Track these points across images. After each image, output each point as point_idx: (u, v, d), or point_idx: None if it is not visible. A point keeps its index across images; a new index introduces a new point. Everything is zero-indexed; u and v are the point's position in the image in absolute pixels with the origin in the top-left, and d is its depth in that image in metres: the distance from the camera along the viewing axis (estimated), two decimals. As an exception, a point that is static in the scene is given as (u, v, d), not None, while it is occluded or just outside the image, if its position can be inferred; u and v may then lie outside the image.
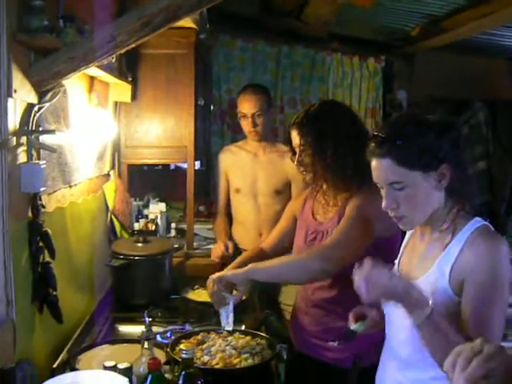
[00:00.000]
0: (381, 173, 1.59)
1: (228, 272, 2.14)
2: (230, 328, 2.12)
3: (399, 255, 1.82)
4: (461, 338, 1.39)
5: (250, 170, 3.29)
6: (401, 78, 5.07)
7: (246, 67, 4.49)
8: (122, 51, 1.86)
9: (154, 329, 2.01)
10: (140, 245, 2.68)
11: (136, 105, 3.27)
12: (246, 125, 3.21)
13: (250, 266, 2.08)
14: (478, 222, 1.58)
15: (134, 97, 3.19)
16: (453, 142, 1.56)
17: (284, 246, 2.45)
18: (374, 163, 1.60)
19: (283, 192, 3.24)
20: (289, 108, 4.57)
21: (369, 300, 1.44)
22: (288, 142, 2.30)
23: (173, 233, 3.76)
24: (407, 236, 1.83)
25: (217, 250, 3.11)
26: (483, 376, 0.99)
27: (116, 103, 3.21)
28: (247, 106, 3.17)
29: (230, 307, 2.11)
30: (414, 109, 4.74)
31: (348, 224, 2.10)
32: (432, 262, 1.60)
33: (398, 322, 1.65)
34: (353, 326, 1.74)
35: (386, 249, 2.07)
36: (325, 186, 2.27)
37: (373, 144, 1.59)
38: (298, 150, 2.21)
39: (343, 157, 2.13)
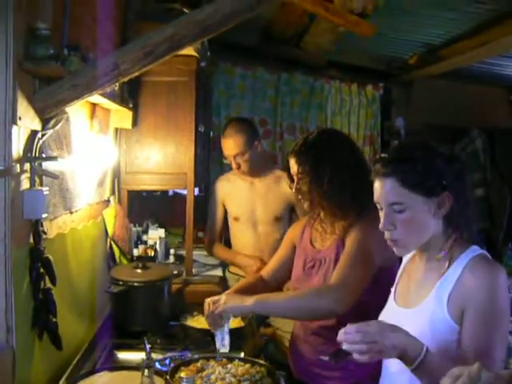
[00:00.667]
0: (383, 193, 1.60)
1: (229, 304, 2.08)
2: (225, 350, 2.11)
3: (395, 282, 1.82)
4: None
5: (248, 199, 3.30)
6: (399, 106, 5.12)
7: (245, 94, 4.53)
8: (125, 79, 1.89)
9: (153, 356, 2.00)
10: (139, 271, 2.68)
11: (137, 131, 3.29)
12: (232, 163, 3.25)
13: (254, 300, 2.03)
14: (475, 250, 1.59)
15: (134, 123, 3.20)
16: (457, 173, 1.58)
17: (283, 274, 2.45)
18: (377, 183, 1.62)
19: (282, 218, 3.25)
20: (288, 135, 4.60)
21: (365, 361, 1.41)
22: (286, 169, 2.31)
23: (171, 259, 3.75)
24: (403, 263, 1.83)
25: (252, 265, 3.13)
26: None
27: (117, 129, 3.23)
28: (227, 148, 3.20)
29: (226, 329, 2.11)
30: (413, 136, 4.78)
31: (352, 261, 2.08)
32: (429, 289, 1.60)
33: None
34: (345, 346, 1.74)
35: (385, 280, 2.08)
36: (322, 214, 2.28)
37: (378, 165, 1.61)
38: (295, 178, 2.23)
39: (340, 184, 2.13)
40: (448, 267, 1.58)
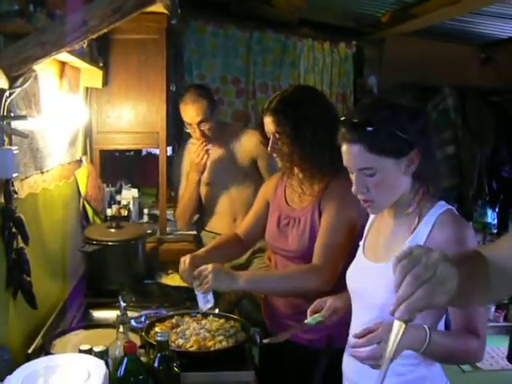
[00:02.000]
0: (351, 158, 1.60)
1: (218, 281, 2.02)
2: (210, 305, 2.09)
3: (364, 236, 1.84)
4: (460, 342, 1.50)
5: (216, 163, 3.29)
6: (371, 64, 5.11)
7: (217, 53, 4.48)
8: (94, 36, 1.86)
9: (129, 314, 2.01)
10: (113, 230, 2.69)
11: (107, 90, 3.25)
12: (193, 132, 3.15)
13: (245, 279, 2.03)
14: (443, 205, 1.61)
15: (105, 82, 3.17)
16: (422, 128, 1.59)
17: (258, 231, 2.45)
18: (344, 148, 1.61)
19: (251, 173, 3.26)
20: (260, 93, 4.58)
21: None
22: (260, 127, 2.26)
23: (145, 218, 3.77)
24: (371, 217, 1.84)
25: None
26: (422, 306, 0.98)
27: (87, 89, 3.19)
28: (190, 116, 3.07)
29: (210, 295, 2.11)
30: (384, 94, 4.79)
31: (333, 234, 2.10)
32: (400, 244, 1.61)
33: (366, 302, 1.68)
34: (306, 320, 1.79)
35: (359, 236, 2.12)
36: (301, 175, 2.24)
37: (343, 129, 1.60)
38: (271, 137, 2.17)
39: (320, 145, 2.10)
40: (418, 223, 1.60)
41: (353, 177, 1.63)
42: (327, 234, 2.10)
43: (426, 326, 1.45)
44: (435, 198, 1.64)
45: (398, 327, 1.00)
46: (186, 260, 2.13)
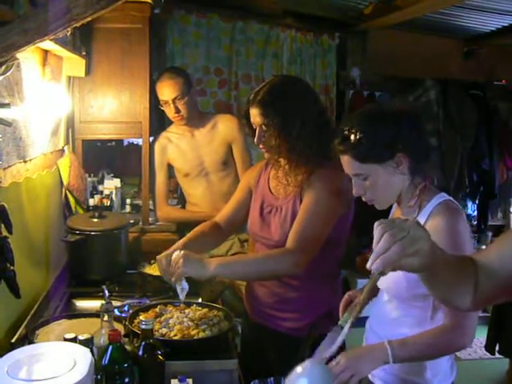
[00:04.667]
0: (345, 166, 1.75)
1: (189, 268, 1.99)
2: (186, 291, 2.07)
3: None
4: (429, 340, 1.65)
5: (194, 152, 3.30)
6: (354, 56, 5.13)
7: (200, 43, 4.46)
8: (78, 24, 1.84)
9: (112, 303, 2.02)
10: (96, 220, 2.68)
11: (90, 79, 3.24)
12: (169, 112, 3.19)
13: (215, 264, 2.01)
14: (442, 197, 1.72)
15: (88, 71, 3.15)
16: (407, 129, 1.68)
17: (239, 219, 2.45)
18: (340, 157, 1.75)
19: (229, 161, 3.28)
20: (243, 84, 4.58)
21: None
22: (245, 118, 2.24)
23: (127, 208, 3.76)
24: (391, 212, 1.96)
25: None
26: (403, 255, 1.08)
27: (70, 78, 3.17)
28: (166, 92, 3.12)
29: (184, 282, 2.11)
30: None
31: (310, 219, 2.11)
32: None
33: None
34: (340, 321, 1.82)
35: (339, 226, 2.14)
36: (287, 167, 2.23)
37: (336, 141, 1.74)
38: (258, 129, 2.16)
39: (308, 137, 2.10)
40: (417, 214, 1.72)
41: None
42: (303, 220, 2.11)
43: (386, 342, 1.65)
44: (436, 191, 1.75)
45: (373, 280, 1.17)
46: (162, 260, 2.08)
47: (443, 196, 1.73)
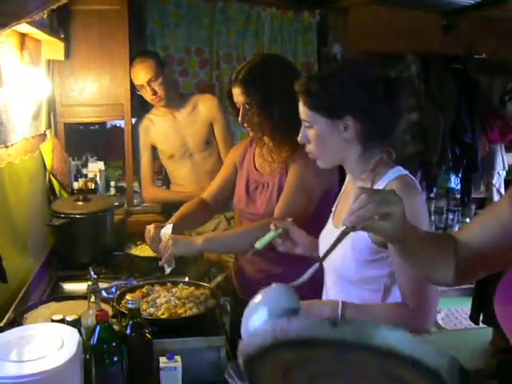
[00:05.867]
0: (300, 110, 1.72)
1: (177, 247, 2.08)
2: (172, 268, 2.15)
3: (335, 204, 1.89)
4: (389, 313, 1.59)
5: (177, 134, 3.31)
6: (335, 32, 5.11)
7: (180, 23, 4.42)
8: (54, 7, 1.83)
9: (99, 285, 2.04)
10: (80, 203, 2.69)
11: (70, 63, 3.22)
12: (146, 95, 3.20)
13: (202, 240, 2.06)
14: (397, 171, 1.64)
15: (67, 55, 3.13)
16: (370, 100, 1.60)
17: (225, 196, 2.48)
18: None
19: (212, 140, 3.31)
20: (224, 63, 4.55)
21: None
22: (228, 98, 2.25)
23: (112, 191, 3.77)
24: (344, 184, 1.89)
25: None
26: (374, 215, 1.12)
27: (49, 62, 3.15)
28: (140, 76, 3.14)
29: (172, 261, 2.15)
30: (345, 62, 4.80)
31: (294, 193, 2.14)
32: None
33: (328, 265, 1.73)
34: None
35: (323, 201, 2.16)
36: (271, 144, 2.26)
37: (297, 82, 1.72)
38: (241, 108, 2.18)
39: (290, 115, 2.05)
40: None
41: None
42: (287, 196, 2.15)
43: (340, 300, 1.60)
44: (393, 165, 1.67)
45: (343, 233, 1.23)
46: (150, 229, 2.16)
47: (399, 170, 1.64)
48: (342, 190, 1.90)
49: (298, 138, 1.73)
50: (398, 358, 0.93)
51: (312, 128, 1.67)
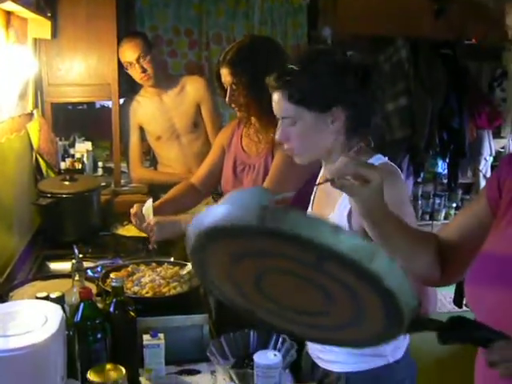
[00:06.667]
0: (275, 106, 1.62)
1: (163, 231, 2.15)
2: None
3: (314, 191, 1.85)
4: None
5: (164, 116, 3.31)
6: (325, 15, 5.11)
7: (169, 3, 4.41)
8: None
9: (85, 264, 2.06)
10: (67, 183, 2.70)
11: (56, 42, 3.20)
12: (135, 74, 3.21)
13: (180, 219, 2.10)
14: (378, 159, 1.61)
15: (54, 34, 3.11)
16: (355, 87, 1.55)
17: (214, 179, 2.49)
18: (272, 95, 1.63)
19: (199, 122, 3.32)
20: (214, 44, 4.55)
21: None
22: (216, 78, 2.26)
23: (100, 171, 3.77)
24: (321, 171, 1.83)
25: None
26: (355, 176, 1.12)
27: (36, 40, 3.13)
28: (128, 54, 3.16)
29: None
30: (331, 47, 4.79)
31: (280, 174, 2.15)
32: (333, 201, 1.63)
33: None
34: None
35: (309, 183, 2.17)
36: (258, 124, 2.27)
37: (271, 78, 1.61)
38: (228, 88, 2.19)
39: None
40: None
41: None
42: (273, 178, 2.16)
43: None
44: (372, 153, 1.64)
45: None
46: (134, 207, 2.22)
47: (380, 158, 1.62)
48: (320, 175, 1.84)
49: (277, 137, 1.63)
50: (360, 272, 0.83)
51: (295, 124, 1.58)
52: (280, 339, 1.77)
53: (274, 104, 1.62)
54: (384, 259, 0.81)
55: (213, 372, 1.77)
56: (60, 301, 1.58)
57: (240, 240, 0.90)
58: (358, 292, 0.87)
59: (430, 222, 5.57)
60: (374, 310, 0.88)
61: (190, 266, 2.15)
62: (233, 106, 2.24)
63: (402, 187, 1.60)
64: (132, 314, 1.70)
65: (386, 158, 1.64)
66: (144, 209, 2.20)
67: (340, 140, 1.62)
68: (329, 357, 1.75)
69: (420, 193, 5.57)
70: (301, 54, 1.73)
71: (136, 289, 1.99)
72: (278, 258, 0.89)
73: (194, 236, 0.96)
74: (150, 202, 2.22)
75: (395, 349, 1.73)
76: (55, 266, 2.46)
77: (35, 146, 2.94)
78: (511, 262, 1.05)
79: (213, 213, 0.91)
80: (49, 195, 2.61)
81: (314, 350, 1.82)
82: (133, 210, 2.23)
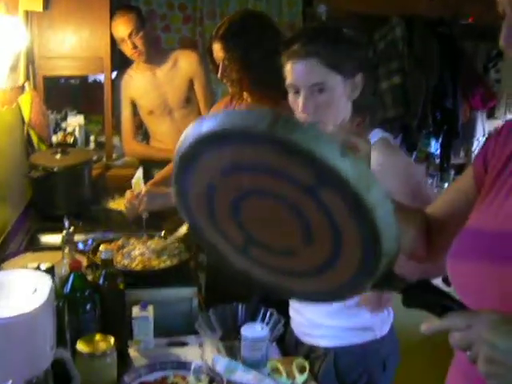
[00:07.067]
0: (304, 74, 1.56)
1: (152, 203, 2.16)
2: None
3: None
4: None
5: (156, 90, 3.30)
6: (321, -8, 5.07)
7: (163, -25, 4.37)
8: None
9: (76, 237, 2.07)
10: (58, 156, 2.69)
11: (48, 15, 3.17)
12: (127, 49, 3.18)
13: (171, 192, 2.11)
14: (376, 134, 1.63)
15: (46, 6, 3.08)
16: (368, 60, 1.63)
17: None
18: (295, 65, 1.57)
19: (192, 97, 3.31)
20: (208, 20, 4.51)
21: None
22: (209, 54, 2.27)
23: (92, 146, 3.76)
24: None
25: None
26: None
27: (27, 13, 3.10)
28: (121, 29, 3.12)
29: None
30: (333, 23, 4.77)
31: None
32: None
33: None
34: None
35: None
36: (250, 100, 2.27)
37: (297, 45, 1.56)
38: (221, 64, 2.19)
39: (269, 72, 2.04)
40: None
41: (296, 97, 1.60)
42: None
43: None
44: (371, 127, 1.65)
45: None
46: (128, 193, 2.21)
47: (378, 133, 1.63)
48: None
49: (301, 109, 1.56)
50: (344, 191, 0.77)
51: (323, 92, 1.55)
52: (268, 313, 1.80)
53: (298, 73, 1.57)
54: (380, 191, 0.78)
55: (201, 344, 1.79)
56: (50, 272, 1.59)
57: (239, 147, 0.83)
58: (341, 229, 0.82)
59: (422, 202, 5.58)
60: (352, 251, 0.84)
61: (179, 231, 2.17)
62: (225, 81, 2.24)
63: (406, 159, 1.65)
64: (121, 286, 1.72)
65: (384, 134, 1.65)
66: (134, 179, 2.19)
67: (349, 112, 1.63)
68: (316, 332, 1.78)
69: (412, 172, 5.57)
70: (318, 26, 1.71)
71: (126, 262, 2.01)
72: (271, 175, 0.82)
73: (192, 138, 0.90)
74: (140, 172, 2.22)
75: (382, 324, 1.76)
76: (46, 238, 2.47)
77: (26, 119, 2.93)
78: (493, 238, 1.06)
79: (217, 116, 0.86)
80: (40, 168, 2.61)
81: (300, 325, 1.85)
82: (127, 196, 2.22)
